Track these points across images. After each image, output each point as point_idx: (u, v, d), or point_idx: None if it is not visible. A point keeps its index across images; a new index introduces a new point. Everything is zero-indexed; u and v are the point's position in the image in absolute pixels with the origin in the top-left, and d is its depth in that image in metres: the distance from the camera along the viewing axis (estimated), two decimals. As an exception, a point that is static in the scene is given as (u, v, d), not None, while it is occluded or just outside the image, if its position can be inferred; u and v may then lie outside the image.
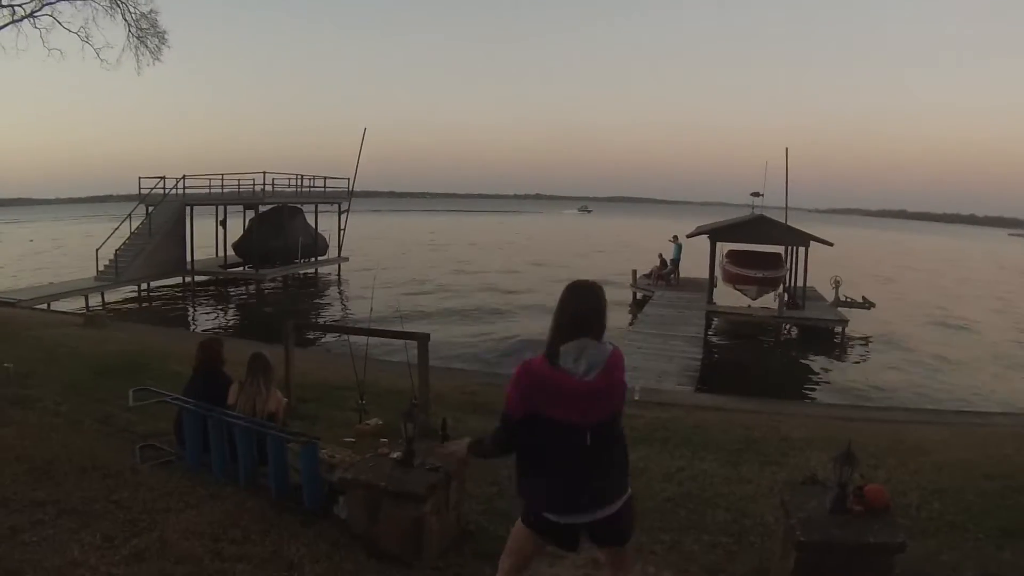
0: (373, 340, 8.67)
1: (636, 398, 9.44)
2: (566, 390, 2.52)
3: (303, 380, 8.64)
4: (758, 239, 20.39)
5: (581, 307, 2.59)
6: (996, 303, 30.40)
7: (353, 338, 9.40)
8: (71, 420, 6.59)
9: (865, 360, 17.88)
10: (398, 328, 8.92)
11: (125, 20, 20.04)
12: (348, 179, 32.42)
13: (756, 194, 22.95)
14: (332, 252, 32.14)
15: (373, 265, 29.95)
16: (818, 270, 22.43)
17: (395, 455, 4.99)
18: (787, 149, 19.54)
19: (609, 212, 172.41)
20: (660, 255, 25.19)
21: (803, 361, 17.21)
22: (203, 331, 19.09)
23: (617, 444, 2.71)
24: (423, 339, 7.43)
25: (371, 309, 10.51)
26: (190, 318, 22.54)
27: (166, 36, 21.01)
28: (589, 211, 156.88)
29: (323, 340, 16.87)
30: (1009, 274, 47.22)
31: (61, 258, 37.85)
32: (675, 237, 24.84)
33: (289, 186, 29.48)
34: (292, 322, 8.30)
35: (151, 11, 20.53)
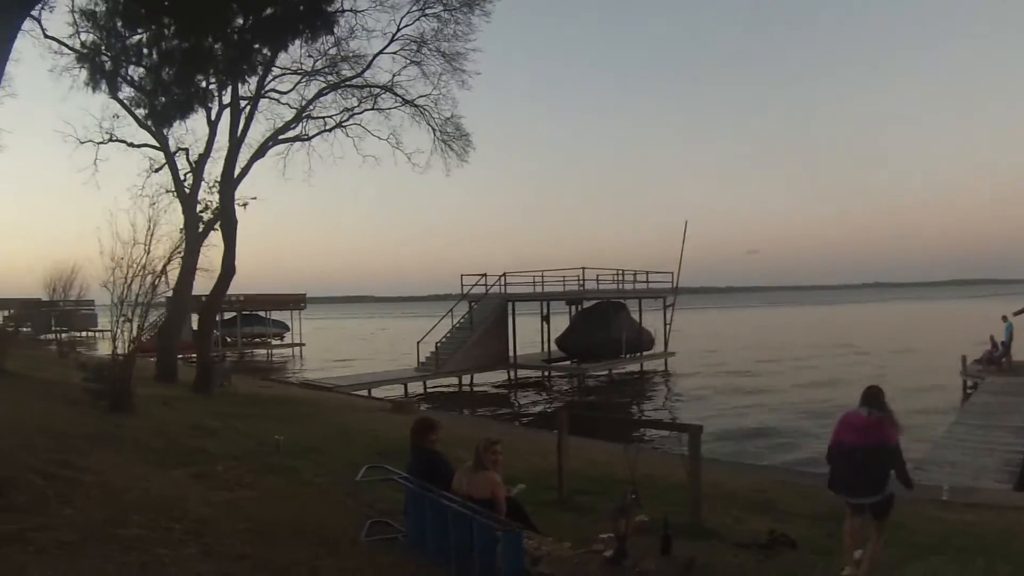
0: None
1: (944, 498, 9.02)
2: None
3: (590, 471, 9.07)
4: None
5: None
6: None
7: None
8: (320, 490, 7.32)
9: None
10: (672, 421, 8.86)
11: (430, 126, 22.68)
12: (672, 273, 34.08)
13: None
14: (659, 347, 33.64)
15: (706, 361, 29.57)
16: None
17: (608, 553, 4.78)
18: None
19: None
20: (991, 337, 24.65)
21: None
22: (521, 423, 20.35)
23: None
24: (695, 431, 7.53)
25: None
26: (508, 410, 24.18)
27: (471, 139, 23.35)
28: None
29: (641, 433, 17.34)
30: None
31: (394, 348, 43.51)
32: (1004, 317, 24.41)
33: (611, 282, 31.61)
34: (566, 411, 8.96)
35: (453, 115, 22.98)
